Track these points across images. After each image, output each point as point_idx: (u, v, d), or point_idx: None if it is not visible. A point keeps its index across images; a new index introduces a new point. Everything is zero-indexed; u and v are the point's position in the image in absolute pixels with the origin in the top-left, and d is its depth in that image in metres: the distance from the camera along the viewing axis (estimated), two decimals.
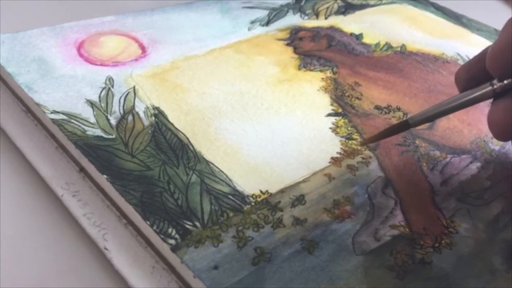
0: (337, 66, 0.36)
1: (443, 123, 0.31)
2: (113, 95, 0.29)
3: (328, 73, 0.35)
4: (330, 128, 0.30)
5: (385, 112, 0.32)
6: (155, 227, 0.22)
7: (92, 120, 0.27)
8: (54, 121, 0.26)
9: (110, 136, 0.26)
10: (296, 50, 0.37)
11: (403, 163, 0.28)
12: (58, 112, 0.27)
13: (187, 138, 0.27)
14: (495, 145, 0.31)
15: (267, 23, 0.40)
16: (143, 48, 0.34)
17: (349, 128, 0.30)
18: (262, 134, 0.28)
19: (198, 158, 0.26)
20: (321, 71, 0.35)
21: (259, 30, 0.39)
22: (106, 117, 0.28)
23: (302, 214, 0.24)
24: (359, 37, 0.40)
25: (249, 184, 0.25)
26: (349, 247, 0.23)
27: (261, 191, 0.25)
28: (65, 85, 0.29)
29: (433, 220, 0.25)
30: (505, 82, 0.24)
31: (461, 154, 0.30)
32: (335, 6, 0.44)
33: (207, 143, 0.27)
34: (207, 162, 0.26)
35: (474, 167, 0.29)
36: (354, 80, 0.35)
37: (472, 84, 0.25)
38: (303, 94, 0.32)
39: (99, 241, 0.23)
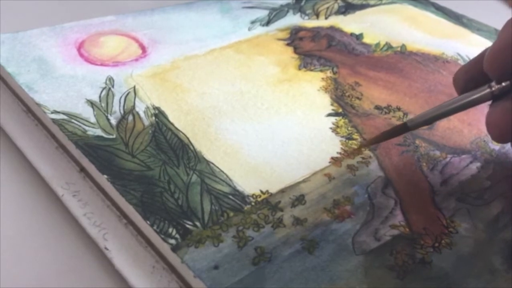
0: (337, 66, 0.36)
1: (443, 123, 0.31)
2: (113, 95, 0.29)
3: (328, 73, 0.35)
4: (330, 128, 0.30)
5: (385, 112, 0.32)
6: (155, 227, 0.22)
7: (93, 120, 0.27)
8: (54, 121, 0.26)
9: (111, 136, 0.26)
10: (296, 50, 0.37)
11: (403, 163, 0.28)
12: (58, 112, 0.27)
13: (188, 138, 0.27)
14: (495, 145, 0.31)
15: (267, 23, 0.40)
16: (143, 48, 0.34)
17: (349, 128, 0.30)
18: (262, 134, 0.28)
19: (198, 158, 0.26)
20: (321, 71, 0.35)
21: (259, 30, 0.39)
22: (107, 117, 0.28)
23: (302, 214, 0.24)
24: (359, 37, 0.40)
25: (249, 184, 0.25)
26: (349, 247, 0.23)
27: (261, 191, 0.25)
28: (65, 85, 0.29)
29: (433, 220, 0.25)
30: (503, 84, 0.24)
31: (461, 154, 0.30)
32: (335, 6, 0.44)
33: (208, 143, 0.27)
34: (208, 162, 0.26)
35: (474, 167, 0.29)
36: (354, 80, 0.35)
37: (471, 86, 0.25)
38: (303, 94, 0.32)
39: (99, 241, 0.23)
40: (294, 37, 0.39)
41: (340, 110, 0.31)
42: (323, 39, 0.39)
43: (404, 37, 0.41)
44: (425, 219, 0.25)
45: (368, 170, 0.27)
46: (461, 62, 0.39)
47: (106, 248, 0.23)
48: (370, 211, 0.25)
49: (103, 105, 0.28)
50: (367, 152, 0.28)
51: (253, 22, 0.39)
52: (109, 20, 0.36)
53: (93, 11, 0.39)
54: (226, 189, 0.25)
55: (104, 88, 0.30)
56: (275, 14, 0.41)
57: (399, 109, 0.32)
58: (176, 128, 0.28)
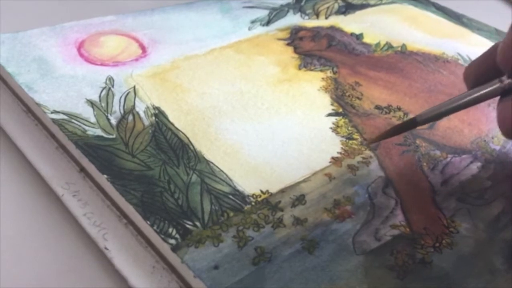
0: (337, 66, 0.36)
1: (443, 122, 0.31)
2: (113, 95, 0.29)
3: (329, 73, 0.35)
4: (331, 128, 0.30)
5: (386, 112, 0.32)
6: (155, 227, 0.22)
7: (93, 120, 0.27)
8: (54, 121, 0.26)
9: (111, 136, 0.26)
10: (296, 50, 0.37)
11: (403, 163, 0.28)
12: (58, 112, 0.27)
13: (188, 138, 0.27)
14: (496, 145, 0.31)
15: (268, 23, 0.40)
16: (143, 48, 0.34)
17: (349, 128, 0.30)
18: (262, 134, 0.28)
19: (198, 158, 0.26)
20: (321, 71, 0.35)
21: (259, 30, 0.39)
22: (107, 117, 0.28)
23: (303, 214, 0.24)
24: (359, 37, 0.40)
25: (249, 184, 0.25)
26: (349, 247, 0.23)
27: (261, 191, 0.25)
28: (65, 85, 0.29)
29: (434, 220, 0.25)
30: None
31: (461, 154, 0.30)
32: (336, 6, 0.44)
33: (208, 143, 0.27)
34: (208, 162, 0.26)
35: (475, 167, 0.29)
36: (354, 80, 0.35)
37: (482, 81, 0.25)
38: (304, 94, 0.32)
39: (99, 241, 0.23)
40: (294, 37, 0.39)
41: (340, 110, 0.31)
42: (323, 39, 0.39)
43: (404, 37, 0.41)
44: (425, 219, 0.25)
45: (368, 170, 0.27)
46: (462, 62, 0.39)
47: (106, 248, 0.23)
48: (370, 211, 0.25)
49: (103, 105, 0.28)
50: (367, 152, 0.28)
51: (253, 22, 0.39)
52: (109, 20, 0.36)
53: (93, 11, 0.39)
54: (226, 189, 0.25)
55: (104, 88, 0.30)
56: (275, 14, 0.41)
57: (399, 109, 0.32)
58: (176, 128, 0.28)
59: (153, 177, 0.24)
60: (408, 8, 0.46)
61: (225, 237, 0.22)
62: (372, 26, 0.42)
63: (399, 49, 0.39)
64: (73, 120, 0.27)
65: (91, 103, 0.28)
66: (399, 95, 0.34)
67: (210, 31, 0.37)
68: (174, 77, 0.32)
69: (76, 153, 0.25)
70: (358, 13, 0.44)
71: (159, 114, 0.28)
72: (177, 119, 0.28)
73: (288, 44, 0.38)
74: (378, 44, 0.39)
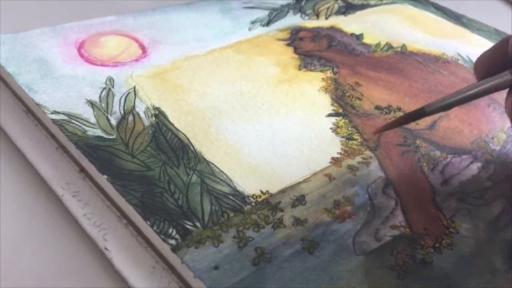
0: (337, 66, 0.36)
1: (443, 123, 0.31)
2: (113, 95, 0.29)
3: (329, 73, 0.35)
4: (331, 128, 0.30)
5: (386, 112, 0.32)
6: (155, 227, 0.22)
7: (93, 120, 0.27)
8: (54, 121, 0.26)
9: (111, 137, 0.26)
10: (296, 50, 0.37)
11: (403, 163, 0.28)
12: (58, 113, 0.27)
13: (188, 138, 0.27)
14: (496, 145, 0.31)
15: (268, 23, 0.40)
16: (143, 48, 0.34)
17: (349, 128, 0.30)
18: (262, 134, 0.28)
19: (198, 158, 0.26)
20: (321, 71, 0.35)
21: (259, 30, 0.39)
22: (107, 117, 0.28)
23: (303, 214, 0.24)
24: (359, 37, 0.40)
25: (249, 184, 0.25)
26: (349, 247, 0.23)
27: (261, 191, 0.25)
28: (65, 85, 0.29)
29: (434, 220, 0.25)
30: None
31: (461, 154, 0.30)
32: (336, 6, 0.44)
33: (208, 143, 0.27)
34: (208, 162, 0.26)
35: (475, 167, 0.29)
36: (354, 80, 0.35)
37: (491, 73, 0.25)
38: (304, 94, 0.32)
39: (99, 241, 0.23)
40: (295, 37, 0.39)
41: (341, 110, 0.31)
42: (324, 40, 0.39)
43: (404, 37, 0.41)
44: (425, 219, 0.25)
45: (368, 171, 0.27)
46: (462, 62, 0.39)
47: (106, 249, 0.23)
48: (370, 211, 0.25)
49: (103, 105, 0.28)
50: (367, 153, 0.28)
51: (253, 22, 0.39)
52: (109, 20, 0.36)
53: (94, 11, 0.39)
54: (226, 189, 0.25)
55: (104, 89, 0.30)
56: (276, 14, 0.41)
57: (399, 109, 0.32)
58: (176, 129, 0.28)
59: (153, 177, 0.24)
60: (408, 8, 0.46)
61: (225, 238, 0.22)
62: (372, 27, 0.42)
63: (399, 49, 0.39)
64: (73, 121, 0.27)
65: (91, 104, 0.28)
66: (399, 95, 0.34)
67: (211, 31, 0.37)
68: (174, 77, 0.32)
69: (76, 153, 0.25)
70: (358, 13, 0.44)
71: (159, 115, 0.28)
72: (177, 119, 0.28)
73: (288, 45, 0.38)
74: (378, 45, 0.39)
